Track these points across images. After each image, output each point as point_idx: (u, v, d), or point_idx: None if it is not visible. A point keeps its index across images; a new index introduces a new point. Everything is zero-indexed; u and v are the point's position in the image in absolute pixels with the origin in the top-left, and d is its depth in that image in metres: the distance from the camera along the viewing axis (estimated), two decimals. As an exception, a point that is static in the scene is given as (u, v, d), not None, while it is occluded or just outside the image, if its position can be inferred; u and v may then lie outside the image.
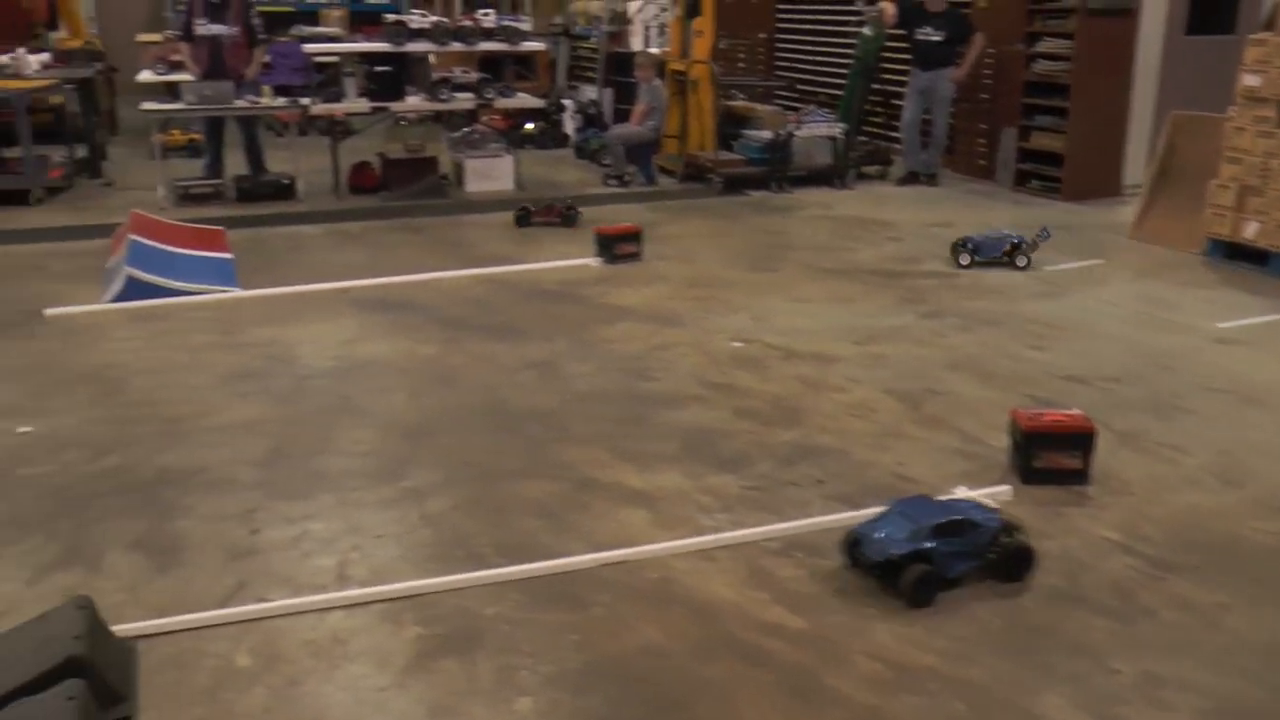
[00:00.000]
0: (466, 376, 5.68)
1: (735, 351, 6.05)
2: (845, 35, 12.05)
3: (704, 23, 10.78)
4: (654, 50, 12.23)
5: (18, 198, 9.35)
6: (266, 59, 10.30)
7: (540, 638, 3.41)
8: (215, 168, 10.01)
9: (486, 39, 9.97)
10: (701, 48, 10.81)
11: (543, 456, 4.70)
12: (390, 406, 5.29)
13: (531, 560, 3.83)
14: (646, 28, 13.24)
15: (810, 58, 13.52)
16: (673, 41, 11.55)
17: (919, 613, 3.54)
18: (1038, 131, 10.33)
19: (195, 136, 11.37)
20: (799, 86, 13.12)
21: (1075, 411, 4.57)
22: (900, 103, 11.15)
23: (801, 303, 7.00)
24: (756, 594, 3.66)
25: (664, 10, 12.78)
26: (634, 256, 7.95)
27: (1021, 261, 7.79)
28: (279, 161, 10.13)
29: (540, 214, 9.08)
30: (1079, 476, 4.41)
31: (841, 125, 10.82)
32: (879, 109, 11.67)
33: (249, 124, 10.00)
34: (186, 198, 9.52)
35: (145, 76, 11.46)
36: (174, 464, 4.63)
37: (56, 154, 10.33)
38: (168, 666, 3.26)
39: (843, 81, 11.70)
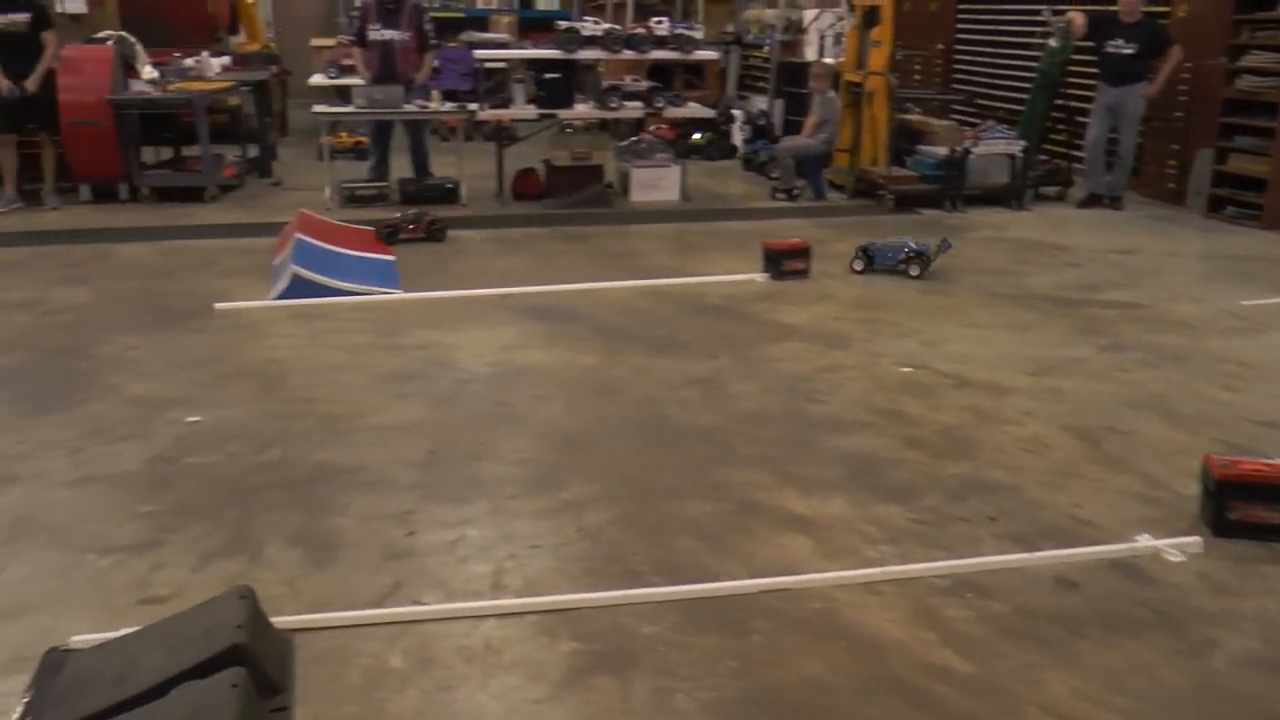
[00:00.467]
0: (627, 389, 5.61)
1: (904, 377, 5.83)
2: (1029, 47, 11.59)
3: (882, 33, 10.49)
4: (829, 60, 11.99)
5: (194, 195, 9.72)
6: (435, 64, 10.44)
7: (698, 662, 3.30)
8: (381, 170, 10.16)
9: (659, 47, 9.88)
10: (878, 59, 10.53)
11: (704, 475, 4.59)
12: (548, 415, 5.25)
13: (690, 581, 3.72)
14: (821, 37, 12.96)
15: (991, 70, 13.04)
16: (848, 52, 11.27)
17: (1096, 666, 3.29)
18: (1237, 154, 9.68)
19: (361, 139, 11.61)
20: (977, 101, 12.65)
21: (1277, 461, 4.22)
22: (1085, 120, 10.61)
23: (973, 329, 6.71)
24: (923, 633, 3.47)
25: (840, 20, 12.52)
26: (802, 273, 7.76)
27: (914, 270, 7.73)
28: (443, 166, 10.27)
29: (406, 230, 8.66)
30: (1281, 534, 4.07)
31: (1021, 143, 10.38)
32: (1062, 126, 11.13)
33: (416, 128, 10.14)
34: (352, 199, 9.70)
35: (316, 80, 11.77)
36: (333, 461, 4.68)
37: (230, 153, 10.72)
38: (323, 662, 3.26)
39: (1024, 96, 11.23)
